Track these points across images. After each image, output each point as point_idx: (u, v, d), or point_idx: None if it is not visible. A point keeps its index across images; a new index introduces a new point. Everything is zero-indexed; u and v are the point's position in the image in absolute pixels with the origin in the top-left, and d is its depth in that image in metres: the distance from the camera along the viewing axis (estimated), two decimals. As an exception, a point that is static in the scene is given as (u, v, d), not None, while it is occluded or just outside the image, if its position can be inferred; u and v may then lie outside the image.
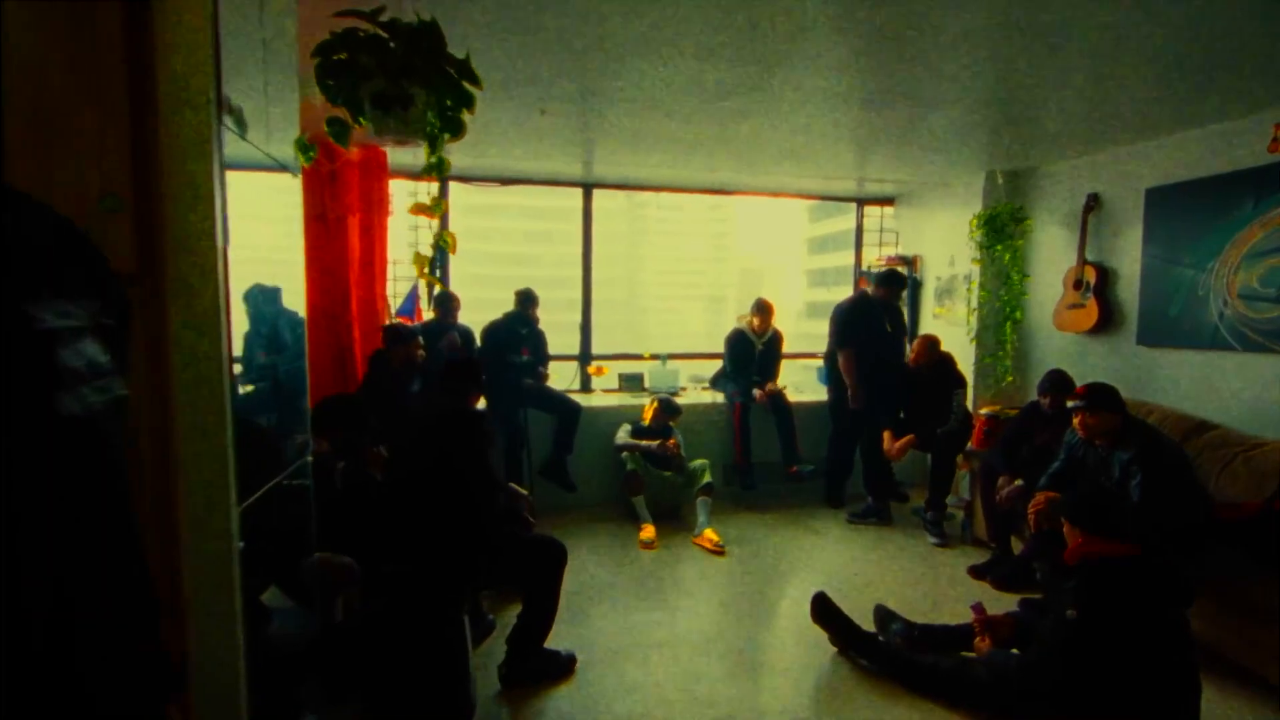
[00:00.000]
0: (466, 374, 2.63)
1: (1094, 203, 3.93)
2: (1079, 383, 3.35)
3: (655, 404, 4.44)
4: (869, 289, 4.64)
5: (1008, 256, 4.24)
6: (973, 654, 2.53)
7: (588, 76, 2.85)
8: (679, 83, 2.87)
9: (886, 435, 4.13)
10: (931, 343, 4.09)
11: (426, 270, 1.93)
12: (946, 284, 4.95)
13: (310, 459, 2.01)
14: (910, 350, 4.12)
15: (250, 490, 1.52)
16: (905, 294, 5.14)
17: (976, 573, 3.45)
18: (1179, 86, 2.86)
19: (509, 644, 2.48)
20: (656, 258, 57.47)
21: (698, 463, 4.24)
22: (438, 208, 1.95)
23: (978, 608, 2.35)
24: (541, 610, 2.46)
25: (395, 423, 3.06)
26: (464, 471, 2.28)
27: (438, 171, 1.70)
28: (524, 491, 3.31)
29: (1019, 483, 3.29)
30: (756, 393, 4.63)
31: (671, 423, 4.42)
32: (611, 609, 3.12)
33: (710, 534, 3.87)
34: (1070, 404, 2.91)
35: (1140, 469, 2.62)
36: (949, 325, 4.86)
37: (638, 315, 53.80)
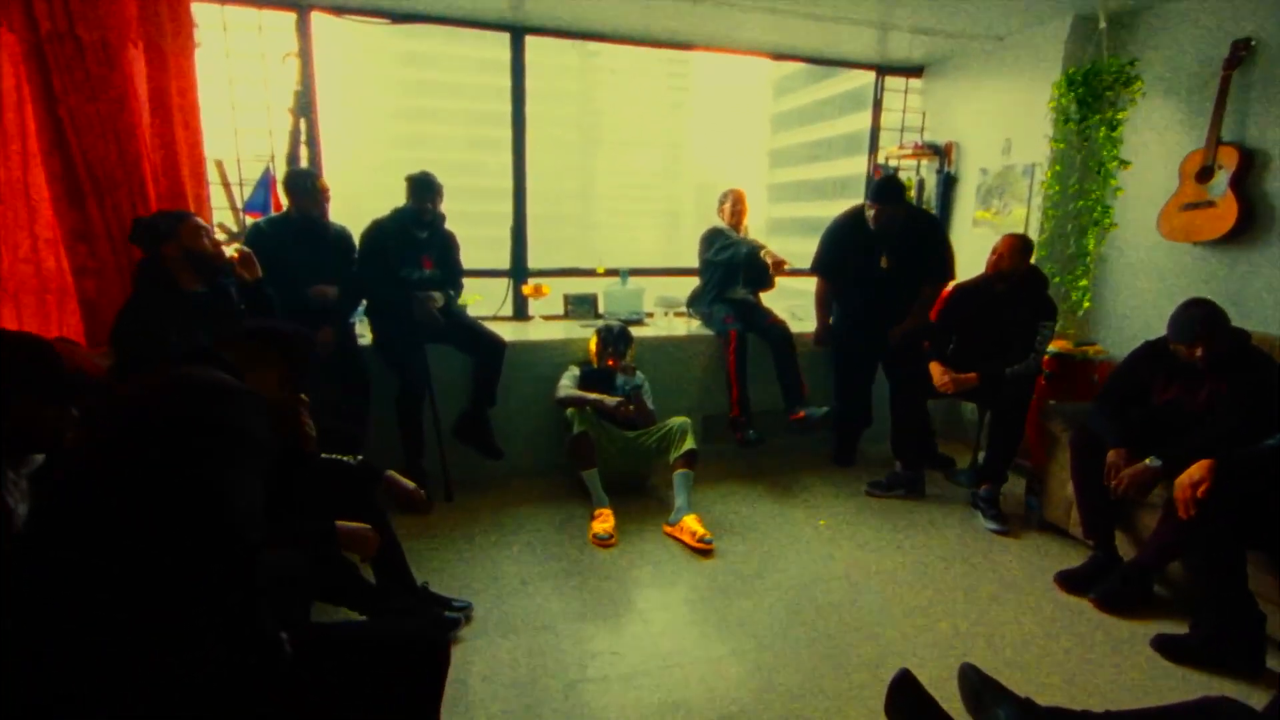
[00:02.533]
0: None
1: (1243, 53, 2.74)
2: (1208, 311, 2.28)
3: (596, 337, 3.23)
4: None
5: (1102, 134, 3.06)
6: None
7: None
8: None
9: (935, 367, 3.02)
10: (1023, 245, 2.92)
11: None
12: (997, 179, 3.77)
13: None
14: (992, 254, 2.95)
15: None
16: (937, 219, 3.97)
17: (1070, 583, 2.45)
18: None
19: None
20: (609, 171, 54.76)
21: (677, 422, 3.07)
22: None
23: None
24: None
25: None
26: (181, 515, 1.03)
27: None
28: (409, 485, 2.12)
29: (1151, 463, 2.25)
30: (767, 259, 3.35)
31: (624, 359, 3.21)
32: (548, 675, 1.99)
33: (693, 523, 2.75)
34: None
35: None
36: (997, 234, 3.71)
37: (589, 231, 51.60)
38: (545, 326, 3.80)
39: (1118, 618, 2.28)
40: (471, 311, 3.77)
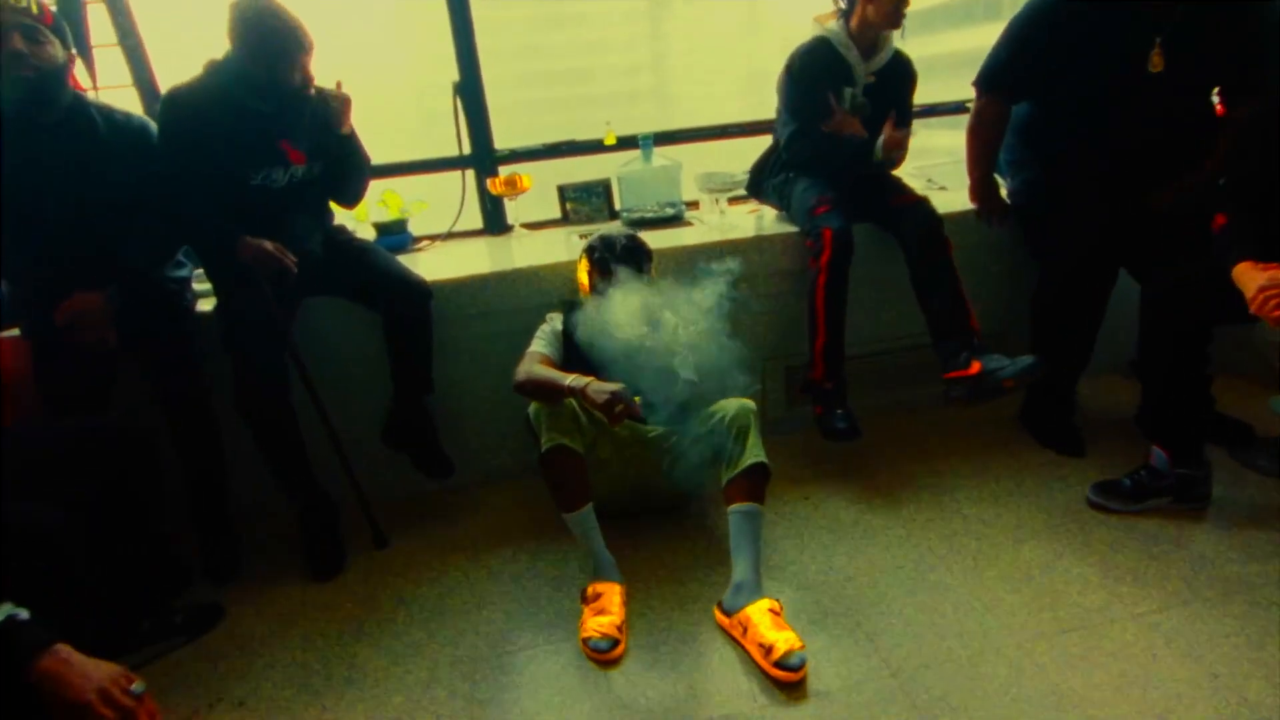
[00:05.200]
0: None
1: None
2: None
3: (584, 260, 1.83)
4: None
5: None
6: None
7: None
8: None
9: (1249, 272, 1.45)
10: None
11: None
12: None
13: None
14: None
15: None
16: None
17: None
18: None
19: None
20: (683, 34, 49.84)
21: (731, 407, 1.67)
22: None
23: None
24: None
25: None
26: None
27: None
28: (81, 680, 0.93)
29: None
30: (885, 136, 1.97)
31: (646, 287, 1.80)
32: None
33: (766, 621, 1.41)
34: None
35: None
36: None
37: (667, 106, 47.87)
38: (532, 242, 2.44)
39: None
40: (417, 229, 2.49)
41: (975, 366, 1.79)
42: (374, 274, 1.85)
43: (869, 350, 2.26)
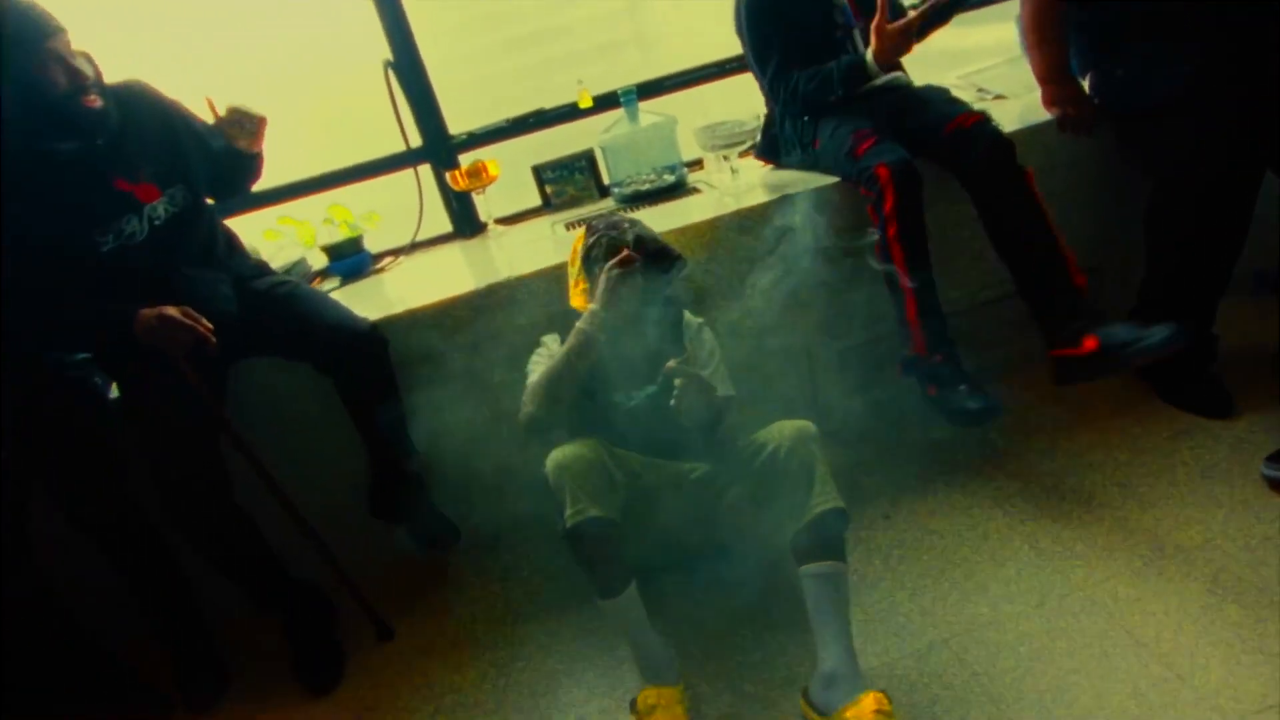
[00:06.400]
0: None
1: None
2: None
3: (578, 261, 1.41)
4: None
5: None
6: None
7: None
8: None
9: None
10: None
11: None
12: None
13: None
14: None
15: None
16: None
17: None
18: None
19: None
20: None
21: (786, 432, 1.25)
22: None
23: None
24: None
25: None
26: None
27: None
28: None
29: None
30: (874, 32, 1.56)
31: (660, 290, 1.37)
32: None
33: None
34: None
35: None
36: None
37: (651, 51, 45.81)
38: (512, 241, 2.04)
39: None
40: (375, 244, 2.11)
41: (1090, 343, 1.38)
42: (308, 325, 1.46)
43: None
